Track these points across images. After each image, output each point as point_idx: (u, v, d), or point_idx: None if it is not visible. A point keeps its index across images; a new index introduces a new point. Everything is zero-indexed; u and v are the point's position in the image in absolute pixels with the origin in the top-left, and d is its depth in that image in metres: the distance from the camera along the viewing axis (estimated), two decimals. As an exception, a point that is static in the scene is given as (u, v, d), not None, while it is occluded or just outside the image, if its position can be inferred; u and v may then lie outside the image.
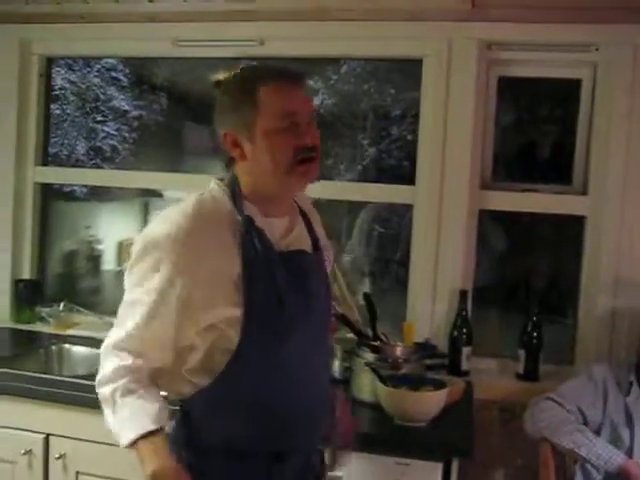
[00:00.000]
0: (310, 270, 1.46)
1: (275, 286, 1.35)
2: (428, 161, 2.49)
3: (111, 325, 1.41)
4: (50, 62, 2.97)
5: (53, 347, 2.62)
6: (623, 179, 2.34)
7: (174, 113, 3.31)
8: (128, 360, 1.34)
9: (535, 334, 2.39)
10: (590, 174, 2.44)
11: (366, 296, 2.29)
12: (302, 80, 1.41)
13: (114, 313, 1.41)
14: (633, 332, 2.22)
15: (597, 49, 2.36)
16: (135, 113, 3.38)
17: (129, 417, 1.31)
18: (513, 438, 2.28)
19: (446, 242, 2.46)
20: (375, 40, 2.52)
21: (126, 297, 1.37)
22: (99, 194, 3.36)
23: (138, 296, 1.33)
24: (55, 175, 3.02)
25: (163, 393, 1.40)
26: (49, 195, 3.03)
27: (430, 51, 2.47)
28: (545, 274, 2.76)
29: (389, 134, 2.96)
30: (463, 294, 2.42)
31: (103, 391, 1.35)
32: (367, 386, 2.08)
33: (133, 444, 1.30)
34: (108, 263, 3.31)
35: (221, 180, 1.44)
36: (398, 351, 2.15)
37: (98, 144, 3.47)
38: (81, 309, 2.80)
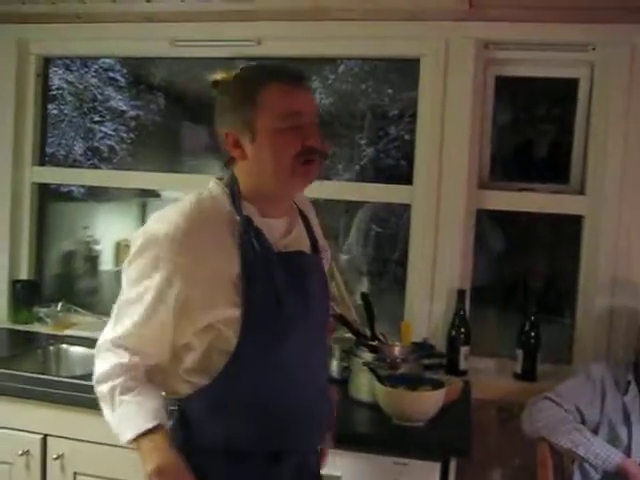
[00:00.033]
0: (309, 271, 1.46)
1: (274, 286, 1.35)
2: (426, 161, 2.49)
3: (109, 325, 1.41)
4: (47, 62, 2.96)
5: (51, 347, 2.61)
6: (620, 179, 2.34)
7: (171, 113, 3.31)
8: (125, 357, 1.34)
9: (533, 334, 2.39)
10: (587, 174, 2.44)
11: (364, 296, 2.29)
12: (306, 80, 1.40)
13: (112, 313, 1.41)
14: (631, 331, 2.22)
15: (594, 49, 2.37)
16: (132, 113, 3.38)
17: (129, 414, 1.31)
18: (511, 438, 2.28)
19: (444, 242, 2.46)
20: (373, 40, 2.52)
21: (123, 294, 1.36)
22: (97, 194, 3.36)
23: (136, 294, 1.33)
24: (52, 175, 3.01)
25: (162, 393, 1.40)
26: (46, 195, 3.03)
27: (427, 51, 2.47)
28: (543, 274, 2.77)
29: (387, 134, 2.97)
30: (461, 294, 2.42)
31: (101, 389, 1.34)
32: (365, 386, 2.08)
33: (134, 441, 1.30)
34: (106, 263, 3.31)
35: (220, 179, 1.44)
36: (396, 351, 2.14)
37: (95, 144, 3.47)
38: (79, 309, 2.80)
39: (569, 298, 2.53)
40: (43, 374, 2.28)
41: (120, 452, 1.82)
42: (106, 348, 1.37)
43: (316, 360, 1.49)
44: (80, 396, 2.00)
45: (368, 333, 2.20)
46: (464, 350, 2.40)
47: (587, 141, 2.44)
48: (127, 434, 1.30)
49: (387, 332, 2.25)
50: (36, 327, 2.80)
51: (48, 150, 3.08)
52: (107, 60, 3.25)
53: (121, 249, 3.26)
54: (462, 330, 2.40)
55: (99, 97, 3.35)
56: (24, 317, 2.84)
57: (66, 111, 3.33)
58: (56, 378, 2.21)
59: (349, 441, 1.78)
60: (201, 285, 1.31)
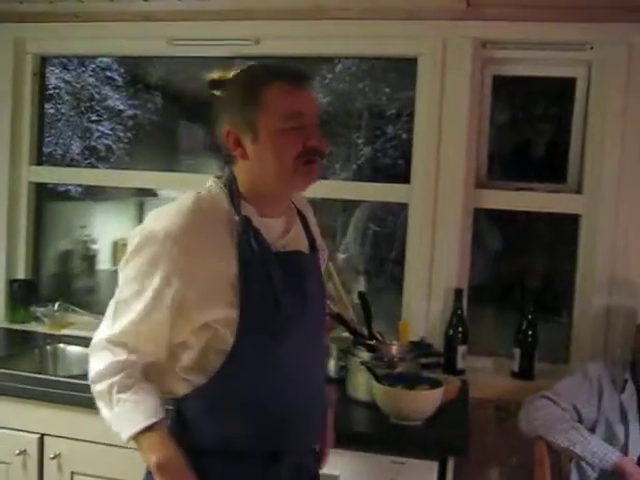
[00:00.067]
0: (307, 271, 1.46)
1: (271, 286, 1.34)
2: (423, 160, 2.49)
3: (106, 325, 1.40)
4: (44, 61, 2.95)
5: (48, 347, 2.61)
6: (618, 178, 2.34)
7: (169, 112, 3.31)
8: (122, 355, 1.33)
9: (530, 332, 2.39)
10: (585, 173, 2.44)
11: (361, 295, 2.29)
12: (308, 81, 1.40)
13: (109, 313, 1.40)
14: (628, 330, 2.23)
15: (592, 48, 2.37)
16: (130, 112, 3.38)
17: (128, 412, 1.31)
18: (508, 436, 2.28)
19: (441, 241, 2.46)
20: (370, 39, 2.51)
21: (120, 293, 1.36)
22: (94, 194, 3.36)
23: (133, 292, 1.32)
24: (50, 175, 3.01)
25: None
26: (44, 195, 3.02)
27: (425, 50, 2.47)
28: (540, 273, 2.77)
29: (384, 133, 2.97)
30: (458, 293, 2.42)
31: (99, 388, 1.34)
32: (363, 385, 2.07)
33: (134, 439, 1.30)
34: (103, 263, 3.31)
35: (218, 178, 1.43)
36: (393, 350, 2.14)
37: (93, 143, 3.47)
38: (76, 309, 2.79)
39: (566, 297, 2.54)
40: (40, 374, 2.28)
41: (117, 451, 1.82)
42: (102, 347, 1.36)
43: (313, 360, 1.49)
44: (77, 396, 2.00)
45: (365, 332, 2.20)
46: (461, 349, 2.40)
47: (585, 140, 2.44)
48: (126, 432, 1.30)
49: (384, 331, 2.25)
50: (33, 326, 2.80)
51: (45, 149, 3.07)
52: (104, 59, 3.25)
53: (118, 248, 3.26)
54: (459, 329, 2.40)
55: (96, 96, 3.35)
56: (21, 316, 2.83)
57: (63, 110, 3.33)
58: (53, 378, 2.21)
59: (347, 440, 1.78)
60: (199, 284, 1.30)
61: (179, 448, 1.31)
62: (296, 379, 1.40)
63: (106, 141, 3.47)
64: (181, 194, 1.39)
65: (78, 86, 3.27)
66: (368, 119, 3.00)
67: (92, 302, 3.00)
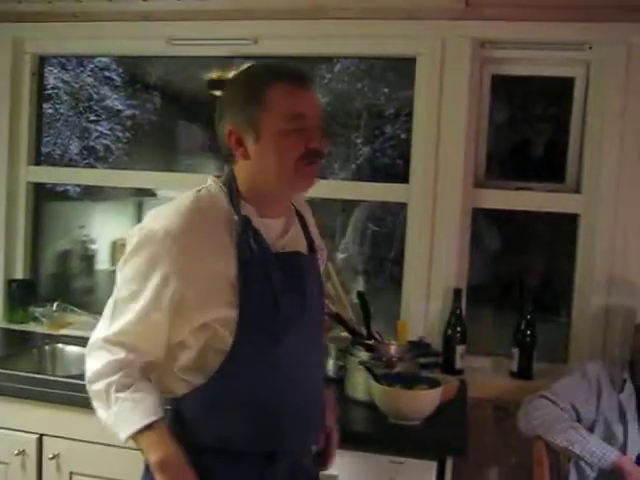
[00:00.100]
0: (305, 271, 1.46)
1: (271, 287, 1.34)
2: (422, 159, 2.49)
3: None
4: (43, 61, 2.95)
5: (46, 347, 2.60)
6: (617, 178, 2.34)
7: (168, 112, 3.31)
8: (120, 354, 1.33)
9: (529, 332, 2.39)
10: (583, 172, 2.44)
11: (360, 295, 2.29)
12: (311, 82, 1.40)
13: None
14: (626, 330, 2.23)
15: (590, 47, 2.37)
16: (128, 112, 3.38)
17: (127, 411, 1.30)
18: (507, 436, 2.28)
19: (440, 240, 2.46)
20: (369, 38, 2.51)
21: (119, 292, 1.35)
22: (92, 194, 3.36)
23: (132, 292, 1.32)
24: (48, 175, 3.00)
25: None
26: (42, 195, 3.02)
27: (424, 49, 2.47)
28: (539, 272, 2.77)
29: (383, 133, 2.97)
30: (457, 292, 2.43)
31: (96, 387, 1.33)
32: (361, 385, 2.08)
33: (133, 438, 1.29)
34: (102, 263, 3.31)
35: (218, 177, 1.43)
36: (392, 350, 2.15)
37: (91, 143, 3.46)
38: (74, 309, 2.79)
39: (565, 297, 2.54)
40: (39, 374, 2.28)
41: (116, 451, 1.82)
42: (99, 346, 1.36)
43: (312, 360, 1.49)
44: (76, 396, 1.99)
45: (364, 332, 2.20)
46: (460, 349, 2.40)
47: (583, 140, 2.44)
48: (125, 431, 1.29)
49: (383, 331, 2.25)
50: (32, 327, 2.80)
51: (43, 149, 3.07)
52: (103, 59, 3.25)
53: (117, 248, 3.26)
54: (458, 329, 2.41)
55: (95, 96, 3.34)
56: (19, 317, 2.83)
57: (62, 110, 3.32)
58: (52, 378, 2.21)
59: (345, 440, 1.77)
60: (197, 284, 1.30)
61: (179, 446, 1.31)
62: (295, 379, 1.40)
63: (105, 141, 3.47)
64: (180, 194, 1.39)
65: (77, 86, 3.27)
66: (367, 119, 3.00)
67: (91, 302, 3.00)
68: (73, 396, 2.01)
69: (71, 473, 2.10)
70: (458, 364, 2.40)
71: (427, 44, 2.46)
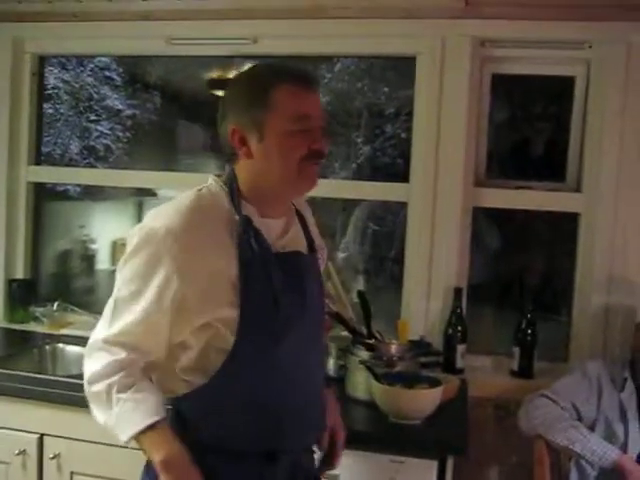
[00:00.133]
0: (305, 271, 1.46)
1: (271, 287, 1.34)
2: (422, 159, 2.49)
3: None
4: (43, 61, 2.95)
5: (47, 347, 2.61)
6: (616, 176, 2.34)
7: (167, 112, 3.31)
8: (121, 354, 1.32)
9: (529, 331, 2.39)
10: (584, 171, 2.44)
11: (360, 294, 2.29)
12: (316, 83, 1.40)
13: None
14: (627, 329, 2.23)
15: (590, 46, 2.37)
16: (128, 112, 3.38)
17: (129, 411, 1.29)
18: (508, 435, 2.28)
19: (440, 239, 2.46)
20: (369, 38, 2.51)
21: (119, 292, 1.34)
22: (93, 193, 3.36)
23: (133, 292, 1.31)
24: (48, 174, 3.01)
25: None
26: (42, 194, 3.02)
27: (424, 49, 2.47)
28: (539, 271, 2.77)
29: (383, 132, 2.97)
30: (458, 291, 2.42)
31: (96, 389, 1.32)
32: (362, 384, 2.08)
33: (135, 438, 1.28)
34: (102, 262, 3.31)
35: (219, 176, 1.43)
36: (393, 349, 2.15)
37: (91, 143, 3.46)
38: (75, 308, 2.80)
39: (565, 296, 2.54)
40: (39, 373, 2.28)
41: (116, 451, 1.82)
42: (98, 347, 1.35)
43: (312, 359, 1.49)
44: (76, 395, 1.98)
45: (365, 331, 2.20)
46: (461, 348, 2.40)
47: (583, 139, 2.44)
48: (127, 432, 1.28)
49: (384, 330, 2.25)
50: (32, 326, 2.80)
51: (44, 149, 3.07)
52: (103, 59, 3.25)
53: (117, 248, 3.26)
54: (459, 328, 2.40)
55: (95, 96, 3.34)
56: (20, 316, 2.83)
57: (62, 110, 3.32)
58: (52, 377, 2.21)
59: (346, 439, 1.77)
60: (199, 283, 1.30)
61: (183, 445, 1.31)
62: (295, 379, 1.40)
63: (105, 141, 3.47)
64: (180, 193, 1.39)
65: (77, 86, 3.27)
66: (367, 118, 3.00)
67: (91, 302, 3.00)
68: (74, 396, 2.01)
69: (72, 473, 2.10)
70: (459, 363, 2.40)
71: (427, 43, 2.45)
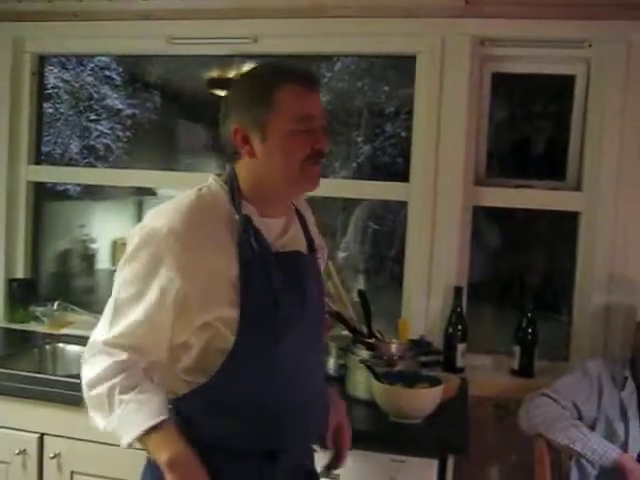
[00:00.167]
0: (305, 271, 1.46)
1: (271, 287, 1.34)
2: (422, 158, 2.49)
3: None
4: (43, 60, 2.95)
5: (47, 346, 2.60)
6: (617, 175, 2.34)
7: (168, 111, 3.31)
8: (122, 356, 1.31)
9: (530, 330, 2.39)
10: (584, 170, 2.44)
11: (361, 293, 2.29)
12: (319, 83, 1.41)
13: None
14: (627, 328, 2.23)
15: (590, 45, 2.37)
16: (128, 111, 3.38)
17: (132, 413, 1.28)
18: (508, 434, 2.28)
19: (440, 239, 2.46)
20: (369, 37, 2.51)
21: (119, 293, 1.33)
22: (93, 193, 3.36)
23: (134, 293, 1.31)
24: (48, 174, 3.01)
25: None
26: (42, 194, 3.02)
27: (424, 48, 2.47)
28: (540, 270, 2.77)
29: (383, 131, 2.97)
30: (458, 290, 2.42)
31: (96, 392, 1.31)
32: (362, 383, 2.07)
33: (139, 439, 1.28)
34: (102, 262, 3.31)
35: (219, 176, 1.43)
36: (393, 348, 2.15)
37: (91, 143, 3.46)
38: (75, 308, 2.79)
39: (566, 295, 2.54)
40: (39, 373, 2.28)
41: (117, 451, 1.80)
42: (98, 350, 1.33)
43: (313, 359, 1.49)
44: (77, 395, 1.95)
45: (365, 330, 2.20)
46: (461, 347, 2.40)
47: (583, 138, 2.44)
48: (130, 434, 1.27)
49: (384, 329, 2.25)
50: (32, 326, 2.79)
51: (44, 149, 3.07)
52: (103, 58, 3.25)
53: (117, 248, 3.26)
54: (459, 327, 2.40)
55: (95, 95, 3.35)
56: (20, 316, 2.83)
57: (62, 109, 3.32)
58: (52, 377, 2.21)
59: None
60: (200, 283, 1.30)
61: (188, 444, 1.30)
62: (295, 379, 1.40)
63: (105, 140, 3.47)
64: (180, 193, 1.39)
65: (77, 85, 3.27)
66: (367, 117, 3.00)
67: (91, 301, 3.00)
68: (74, 395, 2.00)
69: (72, 472, 2.10)
70: (459, 362, 2.40)
71: (427, 42, 2.45)
